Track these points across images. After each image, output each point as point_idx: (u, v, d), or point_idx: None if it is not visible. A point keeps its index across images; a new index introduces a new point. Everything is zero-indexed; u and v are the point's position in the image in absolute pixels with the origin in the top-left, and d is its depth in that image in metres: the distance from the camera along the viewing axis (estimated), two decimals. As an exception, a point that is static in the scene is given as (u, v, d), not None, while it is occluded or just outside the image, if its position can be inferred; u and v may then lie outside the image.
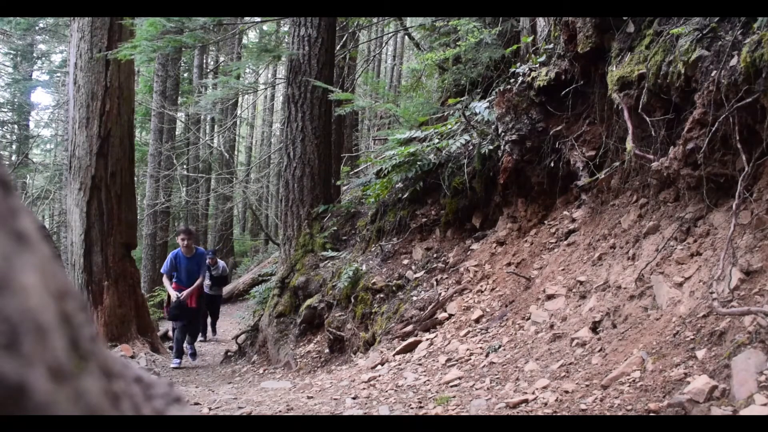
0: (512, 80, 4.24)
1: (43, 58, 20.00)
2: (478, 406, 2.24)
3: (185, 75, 17.10)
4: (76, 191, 6.53)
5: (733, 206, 2.35)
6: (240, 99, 16.22)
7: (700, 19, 2.68)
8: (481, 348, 3.16)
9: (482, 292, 3.89)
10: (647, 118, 2.97)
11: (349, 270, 4.96)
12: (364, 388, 3.01)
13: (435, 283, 4.34)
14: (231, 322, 10.28)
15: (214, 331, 9.30)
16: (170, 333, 8.05)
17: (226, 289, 13.26)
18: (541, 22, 4.69)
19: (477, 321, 3.56)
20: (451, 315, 3.80)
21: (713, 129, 2.49)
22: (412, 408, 2.46)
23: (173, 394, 0.45)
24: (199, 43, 6.78)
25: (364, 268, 5.05)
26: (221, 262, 9.76)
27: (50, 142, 20.31)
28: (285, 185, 6.73)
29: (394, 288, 4.59)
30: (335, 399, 2.82)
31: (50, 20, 16.90)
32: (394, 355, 3.58)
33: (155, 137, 13.58)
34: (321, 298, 5.36)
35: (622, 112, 3.17)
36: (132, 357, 5.99)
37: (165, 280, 6.56)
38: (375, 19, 9.70)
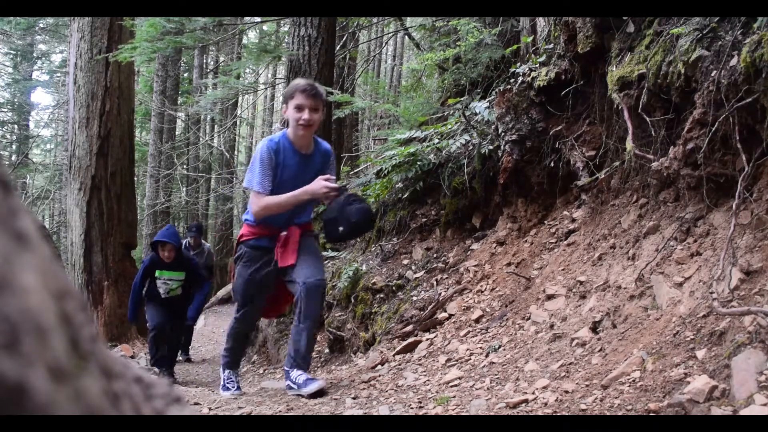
0: (512, 80, 4.24)
1: (43, 58, 20.02)
2: (478, 406, 2.24)
3: (185, 75, 17.11)
4: (76, 191, 6.53)
5: (733, 206, 2.35)
6: (240, 99, 16.22)
7: (700, 19, 2.68)
8: (481, 348, 3.16)
9: (482, 292, 3.89)
10: (647, 118, 2.97)
11: (349, 270, 4.96)
12: (364, 388, 3.01)
13: (435, 283, 4.34)
14: (231, 322, 10.26)
15: (187, 347, 6.69)
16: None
17: (226, 289, 13.17)
18: (541, 22, 4.69)
19: (477, 321, 3.56)
20: (451, 315, 3.80)
21: (713, 129, 2.49)
22: (412, 408, 2.46)
23: (173, 394, 0.46)
24: (199, 43, 6.78)
25: (364, 268, 5.04)
26: (207, 244, 7.44)
27: (50, 142, 20.32)
28: (285, 185, 6.71)
29: (394, 288, 4.59)
30: (335, 399, 2.82)
31: (50, 20, 16.90)
32: (394, 355, 3.59)
33: (155, 137, 13.59)
34: (321, 298, 5.36)
35: (622, 112, 3.17)
36: (132, 357, 5.99)
37: (259, 199, 3.11)
38: (375, 19, 9.70)
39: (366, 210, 3.12)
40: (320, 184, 3.03)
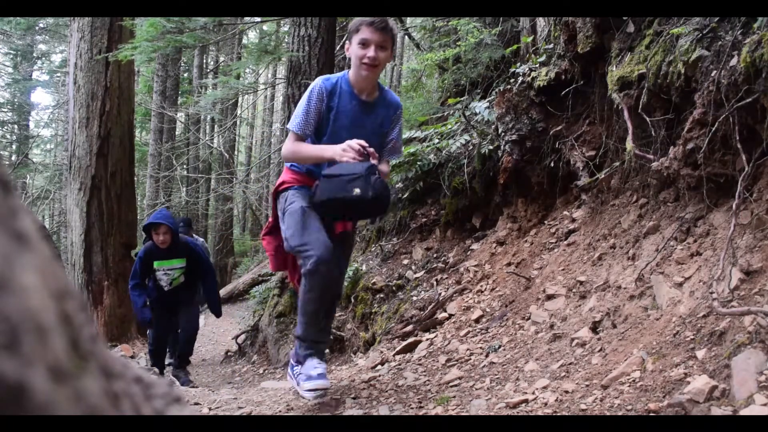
0: (512, 80, 4.24)
1: (43, 58, 20.02)
2: (478, 406, 2.24)
3: (185, 75, 17.12)
4: (76, 191, 6.53)
5: (733, 206, 2.35)
6: (240, 99, 16.22)
7: (700, 19, 2.68)
8: (481, 348, 3.16)
9: (482, 292, 3.89)
10: (647, 118, 2.97)
11: (349, 270, 4.96)
12: (364, 388, 3.01)
13: (435, 283, 4.34)
14: (231, 322, 10.28)
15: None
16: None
17: (227, 289, 13.17)
18: (541, 22, 4.69)
19: (477, 321, 3.56)
20: (451, 315, 3.80)
21: (713, 129, 2.49)
22: (412, 408, 2.46)
23: (173, 394, 0.46)
24: (199, 43, 6.78)
25: (364, 268, 5.05)
26: (199, 239, 7.19)
27: (50, 142, 20.33)
28: (285, 185, 6.70)
29: (394, 288, 4.59)
30: (335, 399, 2.82)
31: (50, 20, 16.90)
32: (394, 355, 3.58)
33: (155, 137, 13.59)
34: (321, 298, 5.35)
35: (622, 112, 3.17)
36: (132, 357, 5.99)
37: (292, 141, 2.64)
38: (375, 19, 9.69)
39: (388, 188, 2.57)
40: (341, 146, 2.47)
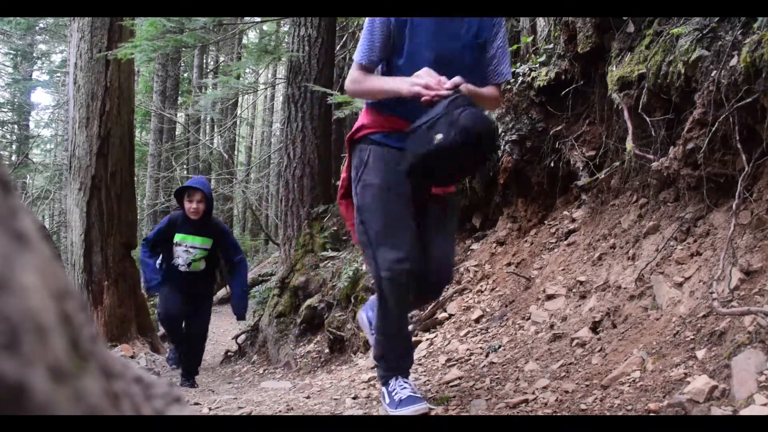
0: (512, 80, 4.24)
1: (43, 58, 20.02)
2: (478, 406, 2.24)
3: (185, 75, 17.11)
4: (76, 191, 6.53)
5: (733, 206, 2.35)
6: (240, 99, 16.22)
7: (700, 19, 2.68)
8: (481, 348, 3.16)
9: (482, 292, 3.89)
10: (647, 118, 2.97)
11: (349, 270, 4.96)
12: (364, 388, 3.01)
13: (435, 283, 4.34)
14: (231, 322, 10.27)
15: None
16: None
17: (228, 288, 13.14)
18: (541, 22, 4.68)
19: (477, 321, 3.56)
20: (451, 315, 3.80)
21: (713, 129, 2.49)
22: (412, 408, 2.46)
23: (173, 394, 0.46)
24: (199, 42, 6.78)
25: (364, 268, 5.04)
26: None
27: (50, 142, 20.33)
28: (285, 185, 6.73)
29: (394, 288, 4.58)
30: (335, 399, 2.82)
31: (50, 20, 16.90)
32: (394, 355, 3.58)
33: (155, 137, 13.60)
34: (321, 298, 5.36)
35: (622, 112, 3.17)
36: (132, 357, 5.99)
37: (355, 70, 2.10)
38: (375, 19, 9.68)
39: (484, 117, 1.81)
40: (413, 80, 1.87)
